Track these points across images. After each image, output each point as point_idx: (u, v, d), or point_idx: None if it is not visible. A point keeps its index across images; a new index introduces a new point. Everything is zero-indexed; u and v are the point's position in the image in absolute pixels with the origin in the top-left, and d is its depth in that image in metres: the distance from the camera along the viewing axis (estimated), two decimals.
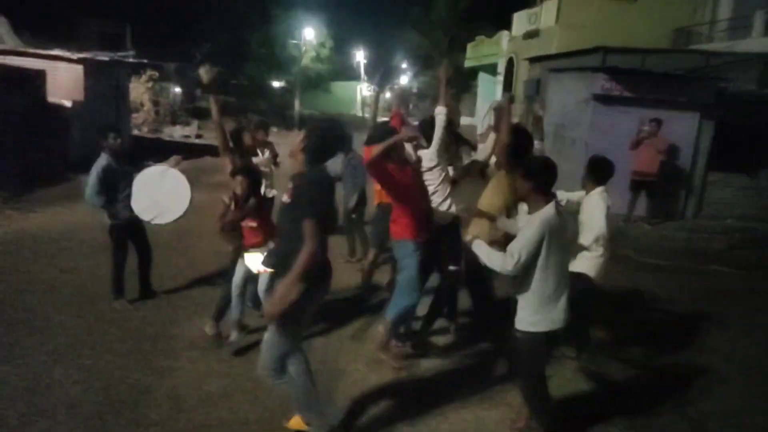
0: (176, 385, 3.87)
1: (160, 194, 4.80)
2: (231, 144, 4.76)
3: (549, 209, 3.04)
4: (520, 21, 20.69)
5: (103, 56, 13.89)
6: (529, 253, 2.98)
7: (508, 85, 21.08)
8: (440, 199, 4.37)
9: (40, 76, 10.89)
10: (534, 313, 3.12)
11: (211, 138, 19.19)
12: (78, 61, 12.13)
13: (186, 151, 13.44)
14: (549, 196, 3.12)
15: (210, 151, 13.32)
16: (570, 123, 10.35)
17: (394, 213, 4.18)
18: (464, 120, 21.78)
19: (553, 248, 3.01)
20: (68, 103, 11.53)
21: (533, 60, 16.45)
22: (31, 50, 12.49)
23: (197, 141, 18.42)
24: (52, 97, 11.19)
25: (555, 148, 10.82)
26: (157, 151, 12.27)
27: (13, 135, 9.77)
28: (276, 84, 34.38)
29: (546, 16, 18.30)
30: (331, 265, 3.19)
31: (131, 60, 15.93)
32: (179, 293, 5.59)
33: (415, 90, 49.15)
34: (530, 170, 3.13)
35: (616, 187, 8.88)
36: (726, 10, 16.47)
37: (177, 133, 19.61)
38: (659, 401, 4.15)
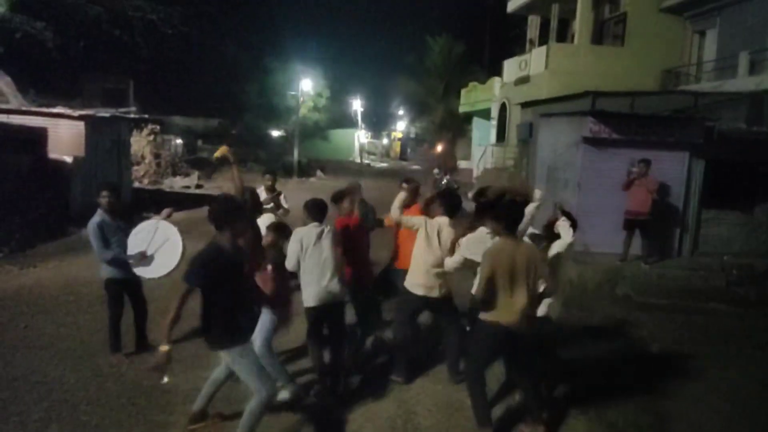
0: None
1: (153, 248, 4.83)
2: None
3: (304, 229, 4.58)
4: (511, 67, 21.22)
5: (104, 112, 14.18)
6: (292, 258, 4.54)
7: (501, 129, 21.45)
8: None
9: (41, 133, 11.14)
10: (305, 293, 4.53)
11: (210, 188, 19.46)
12: (79, 118, 12.41)
13: (185, 202, 13.69)
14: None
15: (209, 200, 13.47)
16: (562, 165, 10.50)
17: None
18: (461, 164, 22.10)
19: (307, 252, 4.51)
20: (69, 159, 11.73)
21: (525, 105, 16.79)
22: (34, 109, 12.82)
23: (197, 191, 18.63)
24: (54, 154, 11.41)
25: (548, 190, 10.94)
26: (157, 202, 12.40)
27: (15, 191, 9.95)
28: (275, 133, 35.00)
29: (535, 62, 18.76)
30: None
31: (132, 116, 16.26)
32: (176, 346, 5.51)
33: (412, 135, 50.05)
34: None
35: (612, 226, 9.13)
36: (711, 51, 16.93)
37: (177, 184, 19.86)
38: None
